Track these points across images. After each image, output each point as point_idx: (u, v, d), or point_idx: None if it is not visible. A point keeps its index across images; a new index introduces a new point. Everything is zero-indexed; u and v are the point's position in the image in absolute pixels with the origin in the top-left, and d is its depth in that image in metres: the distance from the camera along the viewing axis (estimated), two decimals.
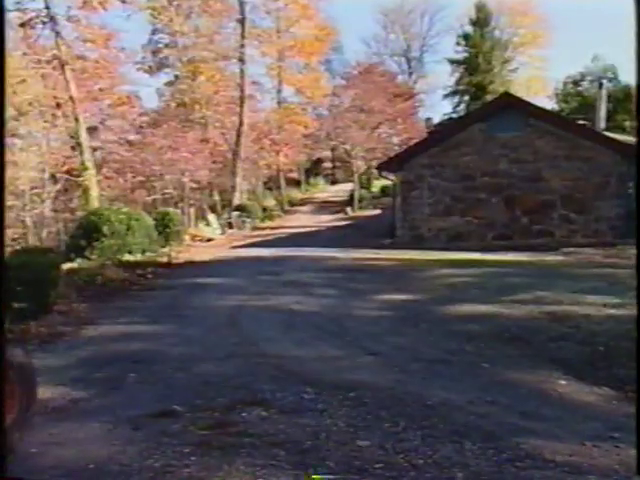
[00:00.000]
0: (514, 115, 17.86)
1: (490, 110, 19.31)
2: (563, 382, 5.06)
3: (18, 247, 22.60)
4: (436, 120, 48.21)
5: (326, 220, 30.93)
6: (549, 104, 40.37)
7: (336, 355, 6.19)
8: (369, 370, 5.58)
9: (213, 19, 34.76)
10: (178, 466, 3.49)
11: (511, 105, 18.43)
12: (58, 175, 29.34)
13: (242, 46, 33.40)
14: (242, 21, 33.53)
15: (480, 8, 43.29)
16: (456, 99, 46.76)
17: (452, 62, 46.04)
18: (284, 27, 37.11)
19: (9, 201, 29.99)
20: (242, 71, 34.15)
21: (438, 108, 67.51)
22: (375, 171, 31.74)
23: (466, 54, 44.47)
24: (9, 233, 30.65)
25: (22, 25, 24.68)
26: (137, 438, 3.96)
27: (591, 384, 4.94)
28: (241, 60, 33.83)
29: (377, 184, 39.47)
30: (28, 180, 29.54)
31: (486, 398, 4.63)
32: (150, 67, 36.72)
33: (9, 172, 29.63)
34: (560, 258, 14.02)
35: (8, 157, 29.22)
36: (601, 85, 25.36)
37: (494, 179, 18.11)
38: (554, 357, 5.79)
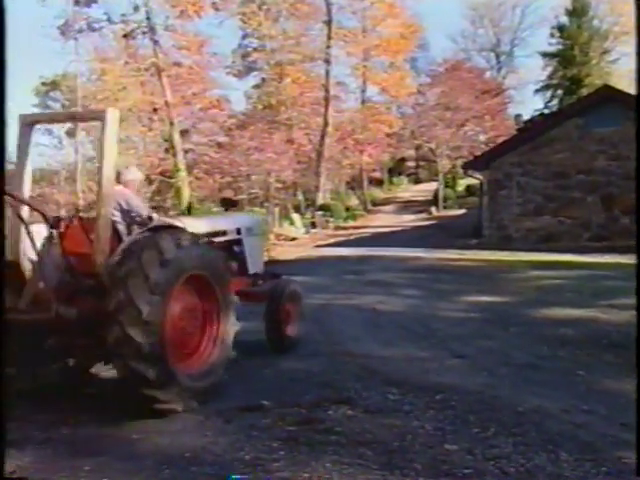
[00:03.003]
0: (614, 109, 16.84)
1: (587, 104, 18.34)
2: None
3: None
4: (526, 116, 46.37)
5: (409, 220, 30.58)
6: None
7: (422, 356, 6.11)
8: (456, 373, 5.47)
9: (300, 21, 35.34)
10: (267, 460, 3.58)
11: (611, 98, 17.39)
12: (153, 176, 30.95)
13: (328, 47, 33.69)
14: (328, 22, 33.81)
15: None
16: (548, 94, 44.64)
17: (545, 55, 43.99)
18: (370, 26, 37.03)
19: None
20: (327, 72, 34.46)
21: (529, 104, 64.81)
22: (460, 170, 31.03)
23: (560, 46, 42.29)
24: None
25: (125, 36, 26.29)
26: (228, 431, 4.10)
27: None
28: (327, 61, 34.14)
29: (462, 183, 38.53)
30: None
31: (582, 407, 4.41)
32: (239, 71, 37.92)
33: None
34: None
35: None
36: None
37: (590, 177, 17.19)
38: None
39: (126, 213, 4.95)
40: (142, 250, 4.25)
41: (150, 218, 4.89)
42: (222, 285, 4.89)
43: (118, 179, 5.09)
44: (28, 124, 4.91)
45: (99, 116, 4.85)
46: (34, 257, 4.34)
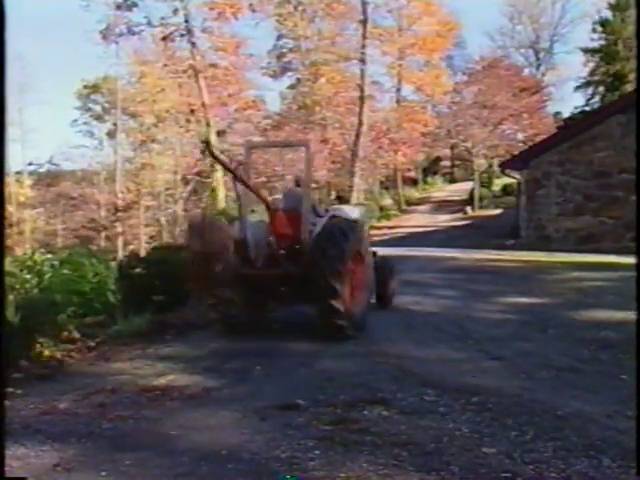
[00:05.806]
0: None
1: (631, 101, 17.77)
2: None
3: (155, 244, 24.44)
4: (566, 114, 45.33)
5: (444, 220, 30.25)
6: None
7: (457, 357, 6.04)
8: (493, 375, 5.39)
9: (336, 21, 35.26)
10: (303, 459, 3.59)
11: None
12: (189, 177, 31.42)
13: (363, 47, 33.52)
14: (364, 22, 33.65)
15: None
16: (589, 91, 43.52)
17: (586, 51, 42.84)
18: (406, 25, 36.71)
19: (148, 202, 32.61)
20: (362, 71, 34.30)
21: (569, 101, 63.23)
22: (497, 169, 30.51)
23: (603, 41, 41.12)
24: (147, 231, 33.32)
25: (164, 39, 26.78)
26: (264, 428, 4.13)
27: None
28: (362, 60, 33.97)
29: (498, 182, 37.89)
30: (163, 182, 31.94)
31: (626, 412, 4.27)
32: (274, 71, 38.15)
33: (148, 174, 32.20)
34: None
35: (147, 160, 31.80)
36: None
37: (634, 175, 16.66)
38: None
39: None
40: (332, 230, 6.57)
41: (327, 210, 7.23)
42: (367, 255, 7.24)
43: (298, 184, 7.40)
44: (249, 148, 8.14)
45: (305, 144, 8.66)
46: (252, 235, 6.72)
